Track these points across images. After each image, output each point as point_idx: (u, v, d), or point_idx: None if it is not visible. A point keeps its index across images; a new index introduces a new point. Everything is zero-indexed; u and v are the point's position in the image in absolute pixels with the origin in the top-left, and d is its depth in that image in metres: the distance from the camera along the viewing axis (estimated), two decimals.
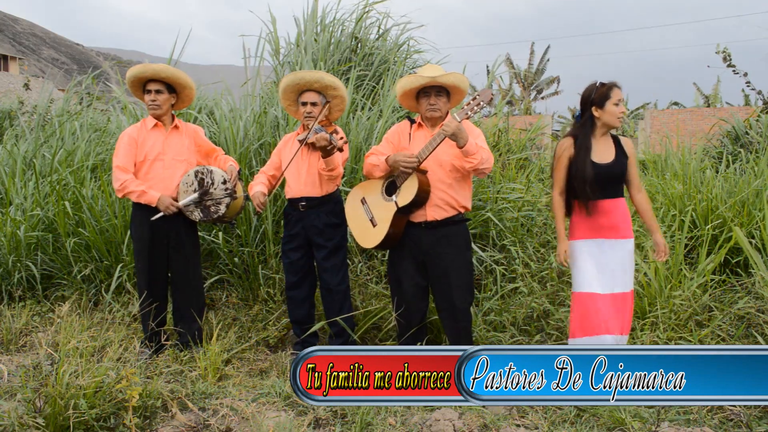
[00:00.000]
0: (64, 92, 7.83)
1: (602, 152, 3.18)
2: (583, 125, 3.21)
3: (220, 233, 4.60)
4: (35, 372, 3.10)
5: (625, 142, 3.26)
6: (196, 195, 3.72)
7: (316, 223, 3.70)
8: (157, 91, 3.77)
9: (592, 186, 3.12)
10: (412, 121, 3.61)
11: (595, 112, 3.18)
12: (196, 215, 3.78)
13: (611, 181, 3.18)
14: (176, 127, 3.86)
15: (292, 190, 3.78)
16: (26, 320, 4.34)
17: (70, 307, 4.18)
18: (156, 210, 3.69)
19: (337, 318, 3.67)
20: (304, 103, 3.73)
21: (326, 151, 3.48)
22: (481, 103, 3.25)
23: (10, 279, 4.77)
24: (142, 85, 3.83)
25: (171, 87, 3.83)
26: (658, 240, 3.26)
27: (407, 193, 3.38)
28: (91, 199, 4.81)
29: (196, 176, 3.76)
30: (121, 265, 4.50)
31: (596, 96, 3.16)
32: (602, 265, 3.13)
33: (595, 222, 3.16)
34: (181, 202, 3.72)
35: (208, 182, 3.73)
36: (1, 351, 4.01)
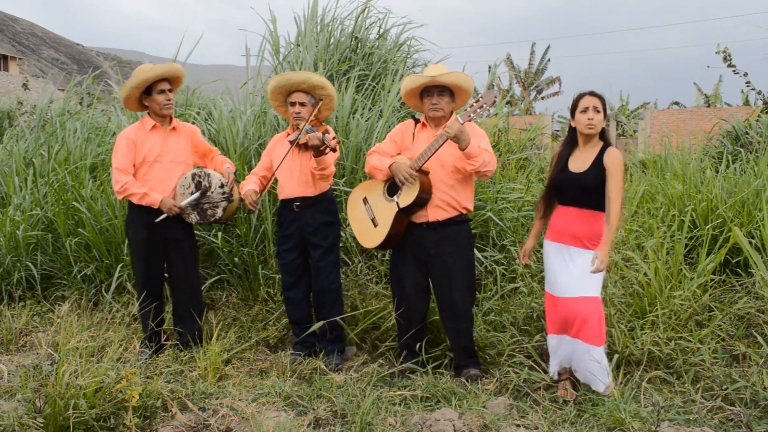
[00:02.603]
0: (64, 92, 7.83)
1: (581, 161, 3.20)
2: (569, 135, 3.29)
3: (220, 233, 4.59)
4: (35, 372, 3.11)
5: (609, 153, 3.10)
6: (198, 194, 3.72)
7: (310, 222, 3.71)
8: (170, 90, 3.81)
9: (551, 191, 3.28)
10: (417, 121, 3.61)
11: (572, 123, 3.24)
12: (193, 218, 3.78)
13: (579, 190, 3.15)
14: (174, 128, 3.86)
15: (285, 191, 3.78)
16: (26, 320, 4.34)
17: (70, 307, 4.18)
18: (157, 212, 3.70)
19: (336, 318, 3.68)
20: (293, 104, 3.73)
21: (319, 151, 3.48)
22: (485, 105, 3.24)
23: (9, 279, 4.77)
24: (147, 87, 3.79)
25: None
26: (598, 252, 3.02)
27: (409, 194, 3.38)
28: (90, 199, 4.81)
29: (193, 179, 3.76)
30: (121, 265, 4.50)
31: (571, 107, 3.24)
32: (563, 268, 3.16)
33: (557, 226, 3.23)
34: (183, 203, 3.72)
35: (205, 185, 3.74)
36: (1, 351, 4.01)
